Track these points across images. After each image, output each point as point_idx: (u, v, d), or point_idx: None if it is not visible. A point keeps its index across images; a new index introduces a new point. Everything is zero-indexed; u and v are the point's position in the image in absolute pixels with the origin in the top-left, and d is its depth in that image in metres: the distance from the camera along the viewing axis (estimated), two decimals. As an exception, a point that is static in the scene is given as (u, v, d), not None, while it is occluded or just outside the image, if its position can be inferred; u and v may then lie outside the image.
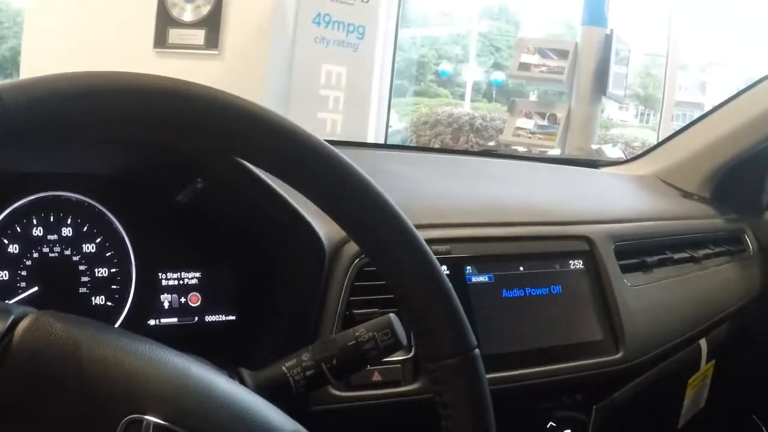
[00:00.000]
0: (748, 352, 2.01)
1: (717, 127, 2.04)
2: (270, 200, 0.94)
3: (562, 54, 5.83)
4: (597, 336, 1.27)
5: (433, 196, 1.33)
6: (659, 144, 2.25)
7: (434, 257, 0.72)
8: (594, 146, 5.00)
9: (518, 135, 5.87)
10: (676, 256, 1.61)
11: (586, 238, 1.33)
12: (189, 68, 5.29)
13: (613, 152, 4.54)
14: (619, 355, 1.28)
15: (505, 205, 1.37)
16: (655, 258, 1.52)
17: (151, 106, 0.60)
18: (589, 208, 1.51)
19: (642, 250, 1.50)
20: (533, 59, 5.87)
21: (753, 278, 1.94)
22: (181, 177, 0.96)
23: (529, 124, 5.84)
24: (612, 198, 1.77)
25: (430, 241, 1.12)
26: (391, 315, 0.79)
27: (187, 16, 5.48)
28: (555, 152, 5.79)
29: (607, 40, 5.83)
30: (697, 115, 2.28)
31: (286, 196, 0.93)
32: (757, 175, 2.08)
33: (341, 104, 5.06)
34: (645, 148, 2.51)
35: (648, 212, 1.67)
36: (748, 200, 2.09)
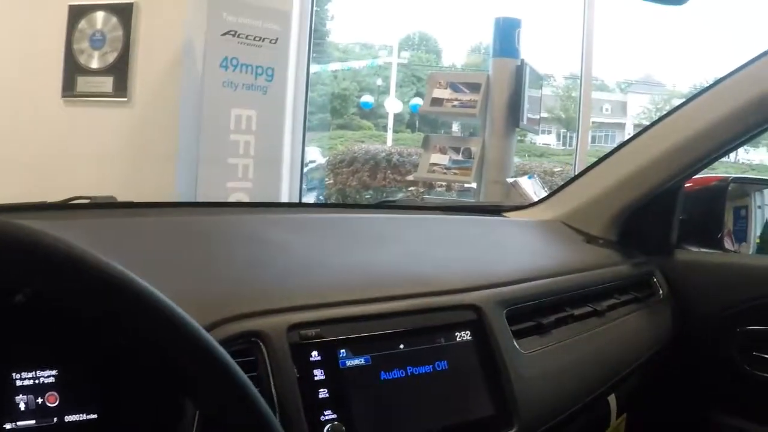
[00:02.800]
0: (661, 398, 1.95)
1: (621, 167, 2.00)
2: None
3: (474, 87, 5.77)
4: (489, 411, 1.18)
5: (309, 269, 1.23)
6: (564, 186, 2.20)
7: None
8: (509, 179, 4.98)
9: (433, 171, 5.80)
10: (577, 312, 1.53)
11: (474, 307, 1.24)
12: (98, 116, 5.23)
13: (528, 184, 4.54)
14: (514, 430, 1.19)
15: (385, 275, 1.28)
16: (552, 318, 1.44)
17: None
18: (479, 270, 1.43)
19: (538, 311, 1.42)
20: (445, 94, 5.80)
21: (663, 324, 1.88)
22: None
23: (444, 159, 5.77)
24: (507, 254, 1.69)
25: (300, 326, 1.04)
26: None
27: (95, 63, 5.39)
28: (471, 186, 5.77)
29: (519, 71, 5.82)
30: (618, 135, 2.24)
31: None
32: (665, 213, 2.04)
33: (252, 148, 4.98)
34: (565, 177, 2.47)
35: (546, 268, 1.59)
36: (656, 240, 2.05)
